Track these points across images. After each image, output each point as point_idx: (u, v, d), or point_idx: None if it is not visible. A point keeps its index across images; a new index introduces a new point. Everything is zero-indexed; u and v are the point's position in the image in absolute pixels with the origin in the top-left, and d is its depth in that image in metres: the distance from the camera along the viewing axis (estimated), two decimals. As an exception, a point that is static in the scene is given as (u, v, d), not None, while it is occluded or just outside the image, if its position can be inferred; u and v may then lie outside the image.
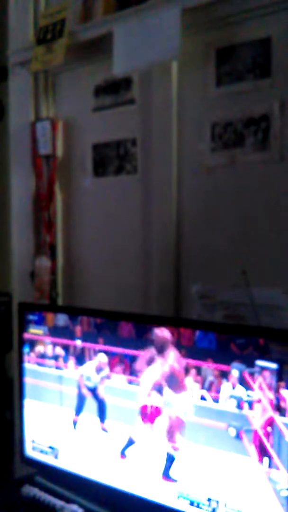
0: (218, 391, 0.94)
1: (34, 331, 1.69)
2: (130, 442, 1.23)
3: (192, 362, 1.03)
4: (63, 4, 1.83)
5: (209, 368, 0.97)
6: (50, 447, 1.68)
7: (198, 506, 1.32)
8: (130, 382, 1.20)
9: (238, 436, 0.91)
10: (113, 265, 1.83)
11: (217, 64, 1.52)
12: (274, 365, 0.88)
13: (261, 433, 0.86)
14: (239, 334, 1.24)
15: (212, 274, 1.56)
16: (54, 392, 1.54)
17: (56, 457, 1.66)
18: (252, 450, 0.88)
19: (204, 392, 0.98)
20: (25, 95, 2.04)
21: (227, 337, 1.00)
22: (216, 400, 0.94)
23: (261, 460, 0.88)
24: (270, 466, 0.85)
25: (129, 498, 1.47)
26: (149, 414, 1.07)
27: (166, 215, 1.64)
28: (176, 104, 1.61)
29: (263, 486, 0.86)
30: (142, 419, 1.11)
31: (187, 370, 1.04)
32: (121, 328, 1.30)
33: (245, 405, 0.88)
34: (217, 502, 1.28)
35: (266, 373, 0.88)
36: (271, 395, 0.85)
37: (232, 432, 0.91)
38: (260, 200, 1.45)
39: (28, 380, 1.62)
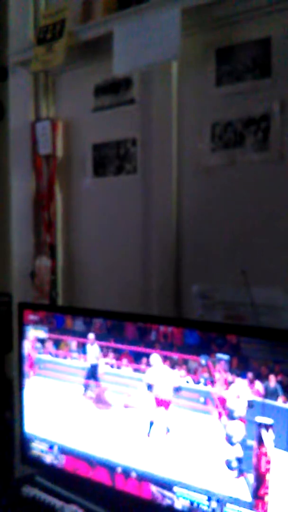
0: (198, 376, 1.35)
1: (35, 331, 1.70)
2: (151, 423, 1.44)
3: (182, 355, 1.38)
4: (63, 4, 1.83)
5: (193, 359, 1.35)
6: (50, 447, 1.68)
7: (198, 506, 1.33)
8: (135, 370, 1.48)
9: (206, 402, 1.33)
10: (113, 265, 1.83)
11: (217, 64, 1.52)
12: (226, 357, 1.28)
13: (218, 400, 1.30)
14: (238, 334, 1.26)
15: (212, 274, 1.56)
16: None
17: (56, 457, 1.66)
18: (214, 411, 1.31)
19: (189, 378, 1.36)
20: (25, 95, 2.04)
21: (207, 337, 1.33)
22: (197, 382, 1.35)
23: (220, 418, 1.30)
24: (224, 420, 1.29)
25: (129, 498, 1.47)
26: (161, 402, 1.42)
27: (166, 215, 1.64)
28: (176, 104, 1.61)
29: (220, 434, 1.30)
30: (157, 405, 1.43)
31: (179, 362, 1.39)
32: (126, 330, 1.50)
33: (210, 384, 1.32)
34: (217, 502, 1.29)
35: (222, 362, 1.29)
36: (224, 375, 1.28)
37: (201, 399, 1.34)
38: (260, 200, 1.45)
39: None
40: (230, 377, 1.27)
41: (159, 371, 1.41)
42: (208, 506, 1.32)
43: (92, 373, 1.59)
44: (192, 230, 1.61)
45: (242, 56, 1.47)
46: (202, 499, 1.33)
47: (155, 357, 1.41)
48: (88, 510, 1.53)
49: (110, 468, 1.52)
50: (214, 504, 1.31)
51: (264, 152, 1.44)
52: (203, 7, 1.46)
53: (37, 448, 1.71)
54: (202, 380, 1.33)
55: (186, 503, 1.35)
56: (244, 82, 1.47)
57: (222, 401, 1.28)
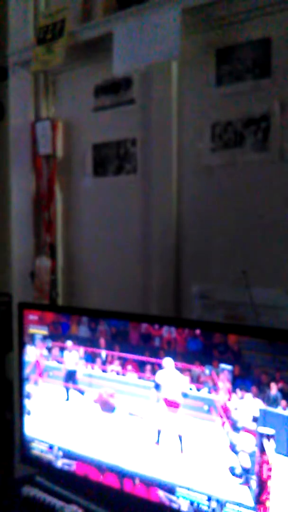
0: (201, 383, 1.35)
1: (34, 331, 1.70)
2: (159, 432, 1.44)
3: (185, 364, 1.38)
4: (63, 4, 1.83)
5: (196, 368, 1.36)
6: (50, 447, 1.68)
7: (198, 506, 1.33)
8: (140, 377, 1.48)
9: (209, 411, 1.33)
10: (113, 265, 1.83)
11: (217, 64, 1.52)
12: (229, 367, 1.29)
13: (221, 409, 1.31)
14: (239, 334, 1.26)
15: (212, 274, 1.56)
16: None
17: (56, 457, 1.66)
18: (217, 418, 1.31)
19: (192, 385, 1.37)
20: (25, 95, 2.04)
21: (210, 344, 1.33)
22: (199, 389, 1.36)
23: (222, 425, 1.30)
24: (227, 428, 1.30)
25: (129, 498, 1.47)
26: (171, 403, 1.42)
27: (166, 215, 1.64)
28: (176, 104, 1.61)
29: (223, 441, 1.30)
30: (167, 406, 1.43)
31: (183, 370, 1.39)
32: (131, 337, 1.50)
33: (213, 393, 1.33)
34: (217, 501, 1.30)
35: (226, 372, 1.30)
36: (228, 385, 1.29)
37: (205, 408, 1.34)
38: (260, 200, 1.45)
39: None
40: (232, 387, 1.28)
41: (170, 374, 1.40)
42: (208, 506, 1.32)
43: (69, 379, 1.61)
44: (192, 230, 1.61)
45: (242, 56, 1.47)
46: (202, 499, 1.33)
47: (168, 360, 1.40)
48: (88, 510, 1.53)
49: (116, 472, 1.51)
50: (214, 504, 1.31)
51: (264, 152, 1.44)
52: (203, 7, 1.46)
53: (37, 448, 1.71)
54: (206, 388, 1.33)
55: (187, 503, 1.36)
56: (244, 82, 1.47)
57: (226, 410, 1.29)
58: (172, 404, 1.40)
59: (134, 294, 1.74)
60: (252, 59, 1.45)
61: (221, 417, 1.30)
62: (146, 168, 1.72)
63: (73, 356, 1.60)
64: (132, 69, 1.63)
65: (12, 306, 2.16)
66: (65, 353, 1.62)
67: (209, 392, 1.32)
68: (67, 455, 1.64)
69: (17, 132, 2.10)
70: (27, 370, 1.73)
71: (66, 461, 1.63)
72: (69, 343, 1.61)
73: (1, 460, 2.23)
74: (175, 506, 1.38)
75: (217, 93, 1.53)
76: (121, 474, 1.50)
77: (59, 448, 1.65)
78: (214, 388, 1.31)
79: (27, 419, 1.74)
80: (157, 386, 1.42)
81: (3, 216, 2.31)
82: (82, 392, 1.59)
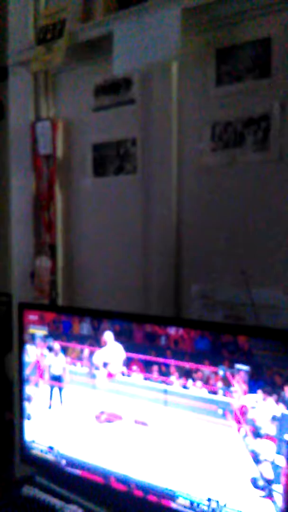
0: (214, 385, 1.31)
1: (34, 331, 1.70)
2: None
3: (194, 364, 1.34)
4: (63, 4, 1.83)
5: (207, 368, 1.32)
6: (50, 447, 1.68)
7: (198, 506, 1.33)
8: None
9: (224, 415, 1.28)
10: (113, 265, 1.83)
11: (217, 64, 1.52)
12: (246, 367, 1.24)
13: (238, 412, 1.25)
14: (239, 334, 1.26)
15: (212, 274, 1.56)
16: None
17: (56, 457, 1.66)
18: (233, 424, 1.26)
19: (204, 389, 1.32)
20: (25, 95, 2.04)
21: (219, 342, 1.30)
22: (213, 391, 1.31)
23: (238, 430, 1.25)
24: (244, 433, 1.25)
25: (129, 498, 1.47)
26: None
27: (166, 215, 1.64)
28: (176, 104, 1.61)
29: (239, 447, 1.25)
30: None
31: (192, 371, 1.35)
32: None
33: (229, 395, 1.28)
34: (217, 502, 1.29)
35: (242, 373, 1.25)
36: (244, 387, 1.24)
37: (220, 411, 1.29)
38: (260, 200, 1.45)
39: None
40: (249, 389, 1.23)
41: (112, 348, 1.46)
42: (208, 507, 1.32)
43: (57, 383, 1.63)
44: (192, 230, 1.61)
45: (242, 56, 1.47)
46: (202, 500, 1.32)
47: (108, 335, 1.46)
48: (88, 510, 1.53)
49: (122, 481, 1.49)
50: (214, 504, 1.30)
51: (264, 152, 1.44)
52: (203, 7, 1.46)
53: (37, 448, 1.71)
54: (220, 392, 1.28)
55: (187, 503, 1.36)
56: (244, 82, 1.47)
57: (243, 414, 1.23)
58: (111, 376, 1.46)
59: (134, 294, 1.74)
60: (252, 59, 1.45)
61: (238, 422, 1.23)
62: (146, 168, 1.72)
63: (60, 359, 1.61)
64: (132, 69, 1.63)
65: (12, 306, 2.16)
66: (51, 356, 1.62)
67: (224, 394, 1.26)
68: (67, 460, 1.63)
69: (17, 132, 2.10)
70: (27, 371, 1.73)
71: (68, 468, 1.63)
72: (56, 345, 1.62)
73: (1, 460, 2.23)
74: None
75: (217, 93, 1.53)
76: (128, 483, 1.47)
77: (61, 455, 1.65)
78: (229, 390, 1.25)
79: (27, 423, 1.74)
80: (105, 365, 1.48)
81: (3, 216, 2.31)
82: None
